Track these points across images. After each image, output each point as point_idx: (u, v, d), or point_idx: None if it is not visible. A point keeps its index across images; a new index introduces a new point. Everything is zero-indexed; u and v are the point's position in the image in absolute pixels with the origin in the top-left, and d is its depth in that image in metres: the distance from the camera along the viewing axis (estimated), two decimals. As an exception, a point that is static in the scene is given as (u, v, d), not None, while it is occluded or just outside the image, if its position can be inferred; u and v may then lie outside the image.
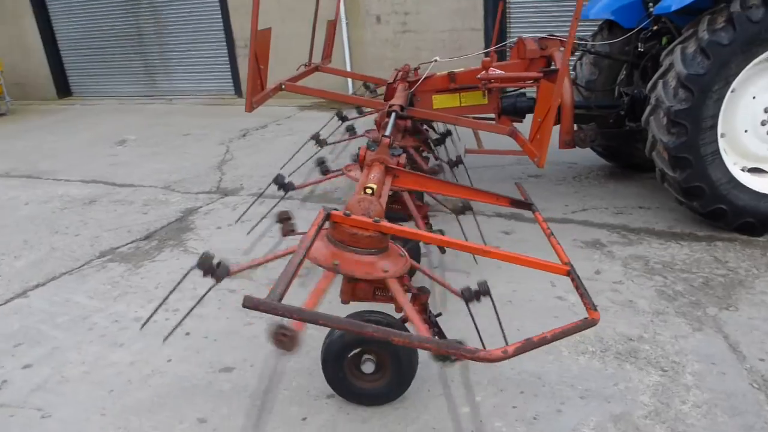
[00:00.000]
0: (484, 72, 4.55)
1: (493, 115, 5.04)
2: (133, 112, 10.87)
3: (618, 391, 2.61)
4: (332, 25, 6.03)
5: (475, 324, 2.53)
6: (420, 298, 2.38)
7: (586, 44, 4.89)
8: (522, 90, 4.98)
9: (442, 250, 3.60)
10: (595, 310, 1.92)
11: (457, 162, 4.48)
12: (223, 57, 11.41)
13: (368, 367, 2.43)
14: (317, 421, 2.50)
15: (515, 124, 4.52)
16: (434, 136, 5.04)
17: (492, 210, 4.78)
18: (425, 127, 5.18)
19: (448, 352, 1.66)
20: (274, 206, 3.80)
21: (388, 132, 3.27)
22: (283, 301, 1.71)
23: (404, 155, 3.16)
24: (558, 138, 4.64)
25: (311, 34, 5.67)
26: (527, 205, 3.03)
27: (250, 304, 1.60)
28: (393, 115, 3.67)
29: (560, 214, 4.65)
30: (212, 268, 2.21)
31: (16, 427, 2.57)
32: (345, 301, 2.42)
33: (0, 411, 2.68)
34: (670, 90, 3.91)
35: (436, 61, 4.95)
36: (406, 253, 2.40)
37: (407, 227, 2.30)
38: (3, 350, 3.18)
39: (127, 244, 4.54)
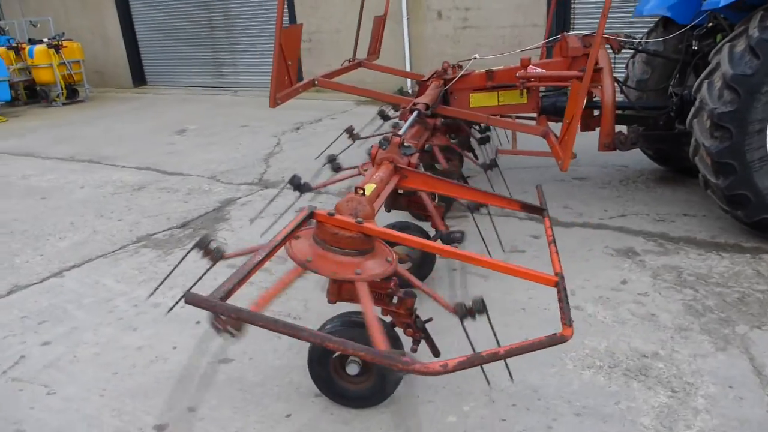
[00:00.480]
0: (522, 70, 4.41)
1: (534, 115, 4.90)
2: (198, 102, 11.26)
3: (618, 411, 2.46)
4: (380, 21, 5.99)
5: (468, 337, 2.43)
6: (405, 301, 2.32)
7: (634, 42, 4.62)
8: (565, 89, 4.78)
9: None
10: (570, 325, 1.79)
11: (491, 165, 4.36)
12: (286, 50, 11.62)
13: (353, 369, 2.40)
14: (300, 419, 2.50)
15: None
16: (477, 135, 4.93)
17: (524, 213, 4.61)
18: (475, 126, 5.07)
19: (382, 362, 1.61)
20: (293, 204, 3.85)
21: (402, 131, 3.22)
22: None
23: (416, 155, 3.10)
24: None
25: (356, 29, 5.67)
26: (539, 210, 2.90)
27: (191, 300, 1.60)
28: (415, 113, 3.60)
29: (597, 219, 4.44)
30: (209, 249, 2.25)
31: (21, 402, 2.71)
32: (331, 302, 2.40)
33: (11, 385, 2.84)
34: (714, 91, 3.65)
35: (475, 58, 4.84)
36: (395, 259, 2.35)
37: (396, 232, 2.24)
38: (29, 326, 3.37)
39: (163, 231, 4.70)
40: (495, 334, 2.33)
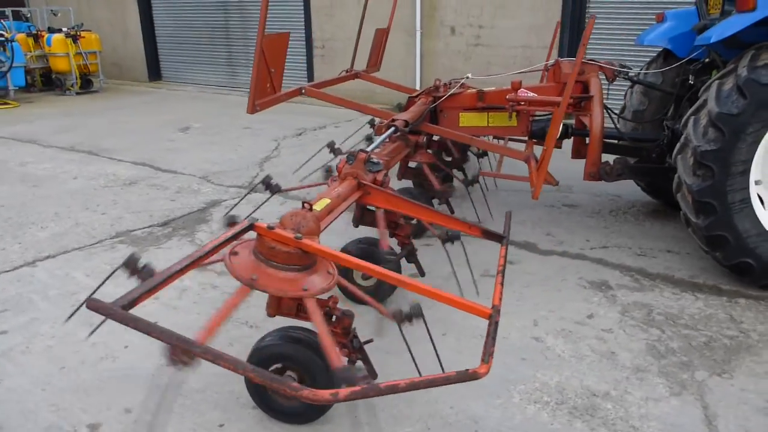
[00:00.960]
0: (512, 93, 4.37)
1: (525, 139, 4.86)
2: (209, 100, 11.34)
3: (554, 450, 2.40)
4: (381, 34, 5.99)
5: (408, 348, 2.40)
6: (343, 321, 2.29)
7: (628, 72, 4.57)
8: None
9: (422, 273, 3.48)
10: (486, 362, 1.74)
11: (472, 181, 4.34)
12: (301, 56, 11.68)
13: (287, 384, 2.36)
14: (232, 430, 2.47)
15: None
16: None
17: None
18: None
19: (271, 386, 1.58)
20: (261, 204, 3.84)
21: (371, 147, 3.20)
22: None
23: (383, 172, 3.07)
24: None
25: (356, 40, 5.68)
26: (499, 238, 2.85)
27: (92, 306, 1.59)
28: (391, 129, 3.58)
29: (577, 248, 4.38)
30: (137, 269, 2.19)
31: (-37, 390, 2.72)
32: (270, 315, 2.37)
33: (-42, 373, 2.85)
34: (700, 128, 3.58)
35: (467, 78, 4.81)
36: (335, 271, 2.32)
37: (333, 250, 2.21)
38: (-10, 314, 3.39)
39: (144, 228, 4.71)
40: (416, 364, 2.30)
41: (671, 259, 4.21)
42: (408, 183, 4.61)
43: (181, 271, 1.83)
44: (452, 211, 4.51)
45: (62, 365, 2.92)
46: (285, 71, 4.16)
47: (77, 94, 11.59)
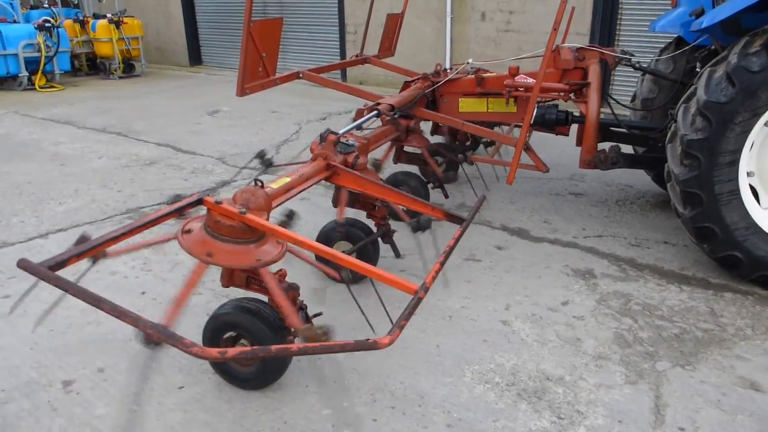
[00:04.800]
0: (510, 79, 4.37)
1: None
2: (244, 85, 11.60)
3: (492, 428, 2.45)
4: (394, 19, 6.04)
5: (361, 309, 2.50)
6: (289, 294, 2.40)
7: (630, 58, 4.48)
8: (554, 102, 4.71)
9: (397, 254, 3.56)
10: (391, 334, 1.80)
11: (460, 160, 4.40)
12: (334, 40, 11.80)
13: (240, 352, 2.50)
14: (189, 392, 2.63)
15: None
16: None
17: (499, 222, 4.59)
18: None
19: (167, 342, 1.70)
20: (254, 177, 3.98)
21: (344, 130, 3.28)
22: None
23: (354, 153, 3.15)
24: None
25: (365, 24, 5.75)
26: (460, 220, 2.90)
27: (23, 265, 1.75)
28: (374, 113, 3.65)
29: (570, 237, 4.36)
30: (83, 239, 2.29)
31: (-41, 347, 2.97)
32: (225, 286, 2.51)
33: (-44, 331, 3.11)
34: (689, 117, 3.52)
35: (468, 63, 4.82)
36: (285, 242, 2.43)
37: (278, 227, 2.32)
38: (-3, 280, 3.66)
39: (152, 205, 4.94)
40: (388, 314, 2.40)
41: (665, 251, 4.14)
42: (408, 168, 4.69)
43: (113, 240, 1.98)
44: (446, 197, 4.56)
45: (51, 328, 3.14)
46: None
47: (120, 78, 12.04)
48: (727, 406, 2.61)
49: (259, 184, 2.49)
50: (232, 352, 1.68)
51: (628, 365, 2.89)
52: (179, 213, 2.32)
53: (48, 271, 1.80)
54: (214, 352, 1.68)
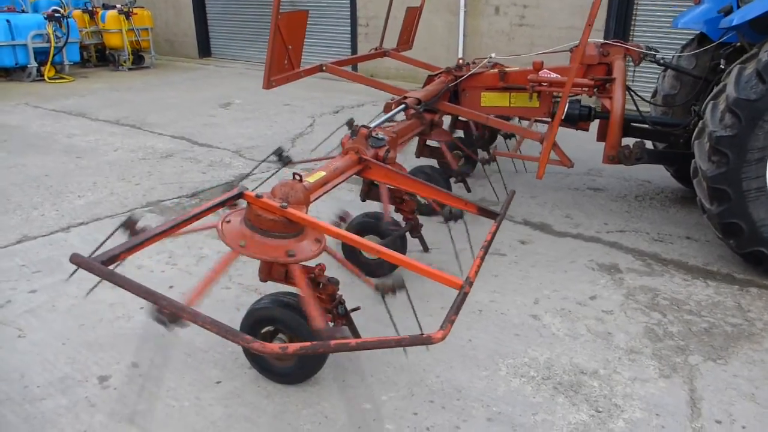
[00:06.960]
0: (533, 74, 4.36)
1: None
2: (253, 77, 11.56)
3: (531, 422, 2.46)
4: (413, 12, 6.01)
5: (390, 315, 2.49)
6: (328, 288, 2.41)
7: (655, 54, 4.47)
8: (578, 96, 4.70)
9: (425, 249, 3.56)
10: (443, 329, 1.80)
11: (488, 160, 4.39)
12: (345, 34, 11.74)
13: (278, 346, 2.50)
14: (227, 387, 2.64)
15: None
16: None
17: (521, 217, 4.59)
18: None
19: (227, 338, 1.70)
20: (274, 173, 3.98)
21: (374, 123, 3.28)
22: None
23: (385, 147, 3.15)
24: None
25: (386, 17, 5.73)
26: (492, 215, 2.90)
27: (75, 260, 1.75)
28: (402, 107, 3.64)
29: (593, 231, 4.36)
30: (134, 230, 2.33)
31: (-7, 340, 2.98)
32: (263, 280, 2.51)
33: (-11, 324, 3.12)
34: (717, 114, 3.51)
35: (491, 57, 4.81)
36: (324, 240, 2.43)
37: (320, 221, 2.32)
38: (24, 274, 3.65)
39: (173, 198, 4.94)
40: (416, 317, 2.40)
41: (688, 246, 4.15)
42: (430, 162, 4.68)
43: (165, 233, 1.98)
44: (468, 191, 4.56)
45: (82, 323, 3.15)
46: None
47: (129, 69, 12.00)
48: (762, 399, 2.62)
49: (298, 178, 2.48)
50: (292, 347, 1.69)
51: (661, 359, 2.90)
52: (222, 206, 2.31)
53: (102, 267, 1.80)
54: (275, 347, 1.69)
